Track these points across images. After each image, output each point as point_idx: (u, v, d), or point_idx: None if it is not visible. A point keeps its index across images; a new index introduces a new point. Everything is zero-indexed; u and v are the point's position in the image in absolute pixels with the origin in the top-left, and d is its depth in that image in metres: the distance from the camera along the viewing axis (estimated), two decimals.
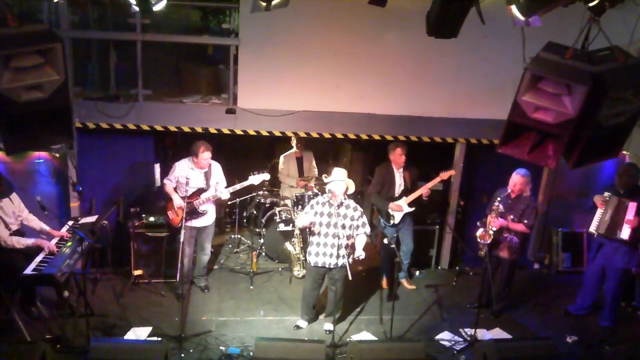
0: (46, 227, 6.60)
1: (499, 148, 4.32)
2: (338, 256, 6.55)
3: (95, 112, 7.49)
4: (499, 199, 6.95)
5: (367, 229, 6.66)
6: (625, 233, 6.79)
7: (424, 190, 7.46)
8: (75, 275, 6.60)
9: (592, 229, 7.14)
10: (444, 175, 7.43)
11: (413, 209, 7.58)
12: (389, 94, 7.77)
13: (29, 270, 5.85)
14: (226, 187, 7.31)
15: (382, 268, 8.06)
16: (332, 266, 6.62)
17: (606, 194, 7.08)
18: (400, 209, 7.56)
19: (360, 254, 6.43)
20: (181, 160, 7.26)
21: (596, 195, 7.20)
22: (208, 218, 7.37)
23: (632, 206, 6.77)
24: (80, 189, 7.50)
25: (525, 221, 6.92)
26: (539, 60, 3.94)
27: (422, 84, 7.77)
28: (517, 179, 6.93)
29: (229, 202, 8.77)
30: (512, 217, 6.94)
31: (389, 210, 7.58)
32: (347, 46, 7.47)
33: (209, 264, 7.82)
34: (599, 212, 7.07)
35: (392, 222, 7.62)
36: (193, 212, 7.16)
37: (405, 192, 7.57)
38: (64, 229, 6.64)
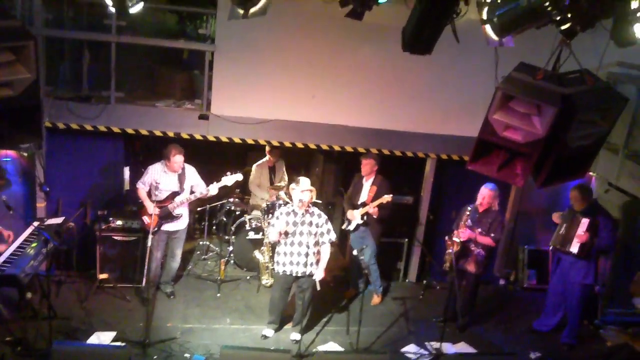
0: None
1: (468, 165, 4.38)
2: (305, 264, 6.57)
3: (65, 112, 7.39)
4: (468, 210, 7.03)
5: (332, 236, 6.71)
6: (574, 247, 6.93)
7: (369, 209, 7.51)
8: (39, 277, 6.48)
9: (550, 243, 7.33)
10: (383, 199, 7.43)
11: (362, 222, 7.63)
12: (363, 107, 7.81)
13: None
14: (207, 187, 7.28)
15: (351, 278, 8.12)
16: (299, 274, 6.63)
17: (567, 210, 7.26)
18: (353, 217, 7.68)
19: (320, 276, 6.52)
20: (155, 164, 7.22)
21: (554, 213, 7.39)
22: (181, 222, 7.36)
23: (584, 222, 6.92)
24: (47, 189, 7.39)
25: (492, 235, 7.03)
26: (510, 80, 4.02)
27: (396, 98, 7.82)
28: (485, 193, 7.03)
29: (199, 209, 8.71)
30: (479, 230, 7.04)
31: (347, 215, 7.78)
32: (323, 58, 7.50)
33: (177, 270, 7.74)
34: (558, 228, 7.24)
35: (349, 227, 7.78)
36: (167, 216, 7.13)
37: (364, 205, 7.63)
38: (29, 230, 6.52)
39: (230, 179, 7.36)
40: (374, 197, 7.58)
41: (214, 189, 7.25)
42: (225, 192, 8.42)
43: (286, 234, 6.57)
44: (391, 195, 7.42)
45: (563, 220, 7.18)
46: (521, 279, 8.94)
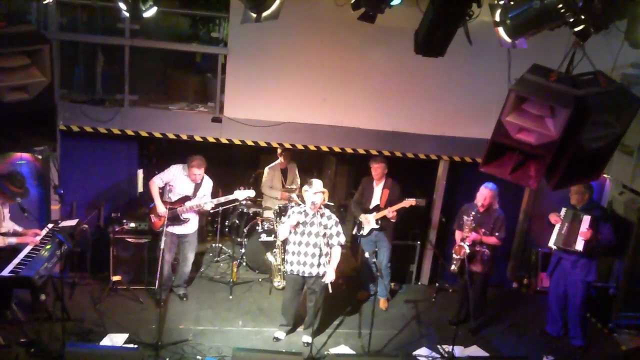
0: (19, 228, 6.57)
1: (481, 167, 4.36)
2: (313, 265, 6.58)
3: (80, 115, 7.45)
4: (472, 213, 7.01)
5: (342, 239, 6.68)
6: (579, 245, 6.94)
7: (387, 212, 7.49)
8: (53, 279, 6.53)
9: (551, 243, 7.30)
10: (407, 203, 7.45)
11: (378, 226, 7.60)
12: (375, 109, 7.81)
13: (5, 272, 5.79)
14: (211, 200, 7.31)
15: (363, 281, 8.11)
16: (307, 275, 6.64)
17: (563, 209, 7.24)
18: (367, 222, 7.63)
19: (330, 278, 6.45)
20: (177, 165, 7.27)
21: (551, 213, 7.36)
22: (190, 227, 7.37)
23: (586, 219, 6.96)
24: (62, 192, 7.44)
25: (497, 234, 7.06)
26: (523, 82, 3.99)
27: (408, 100, 7.81)
28: (486, 193, 7.03)
29: (212, 211, 8.74)
30: (483, 230, 7.03)
31: (359, 220, 7.72)
32: (335, 60, 7.50)
33: (189, 272, 7.76)
34: (556, 227, 7.23)
35: (361, 232, 7.72)
36: (175, 219, 7.15)
37: (377, 209, 7.61)
38: (43, 232, 6.58)
39: (242, 193, 7.41)
40: (388, 200, 7.57)
41: (209, 205, 7.30)
42: None
43: (297, 225, 6.57)
44: (414, 199, 7.41)
45: (564, 220, 7.16)
46: (534, 282, 8.89)
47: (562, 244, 7.12)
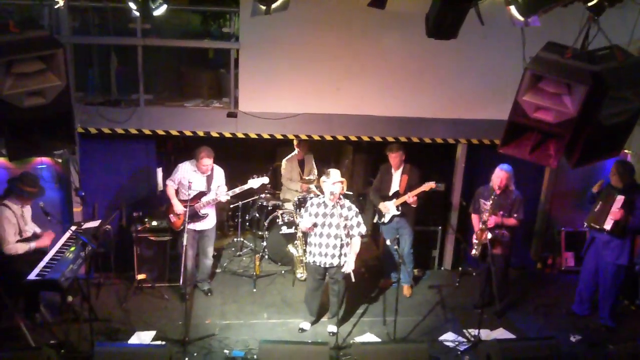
0: (38, 230, 6.67)
1: (500, 148, 4.33)
2: (334, 256, 6.58)
3: (96, 117, 7.50)
4: (491, 197, 6.96)
5: (362, 229, 6.65)
6: (608, 224, 6.84)
7: (407, 198, 7.46)
8: (79, 280, 6.61)
9: (585, 221, 7.24)
10: (426, 186, 7.40)
11: (399, 212, 7.57)
12: (390, 96, 7.77)
13: (32, 276, 5.85)
14: (226, 192, 7.34)
15: (385, 269, 8.10)
16: (328, 265, 6.64)
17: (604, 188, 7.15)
18: (387, 209, 7.61)
19: (350, 267, 6.39)
20: (184, 162, 7.30)
21: (595, 185, 7.28)
22: (209, 221, 7.41)
23: (619, 199, 6.83)
24: (83, 193, 7.51)
25: (515, 215, 7.02)
26: (539, 60, 3.95)
27: (423, 85, 7.77)
28: (502, 175, 6.96)
29: (231, 205, 8.79)
30: (501, 212, 6.99)
31: (379, 208, 7.68)
32: (347, 49, 7.47)
33: (212, 267, 7.83)
34: (593, 206, 7.13)
35: (382, 220, 7.70)
36: (194, 216, 7.20)
37: (397, 195, 7.59)
38: (67, 234, 6.65)
39: (256, 182, 7.45)
40: (407, 185, 7.54)
41: (224, 196, 7.33)
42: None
43: (315, 225, 6.57)
44: (434, 182, 7.36)
45: (599, 197, 7.07)
46: (559, 262, 8.83)
47: (593, 222, 7.04)
